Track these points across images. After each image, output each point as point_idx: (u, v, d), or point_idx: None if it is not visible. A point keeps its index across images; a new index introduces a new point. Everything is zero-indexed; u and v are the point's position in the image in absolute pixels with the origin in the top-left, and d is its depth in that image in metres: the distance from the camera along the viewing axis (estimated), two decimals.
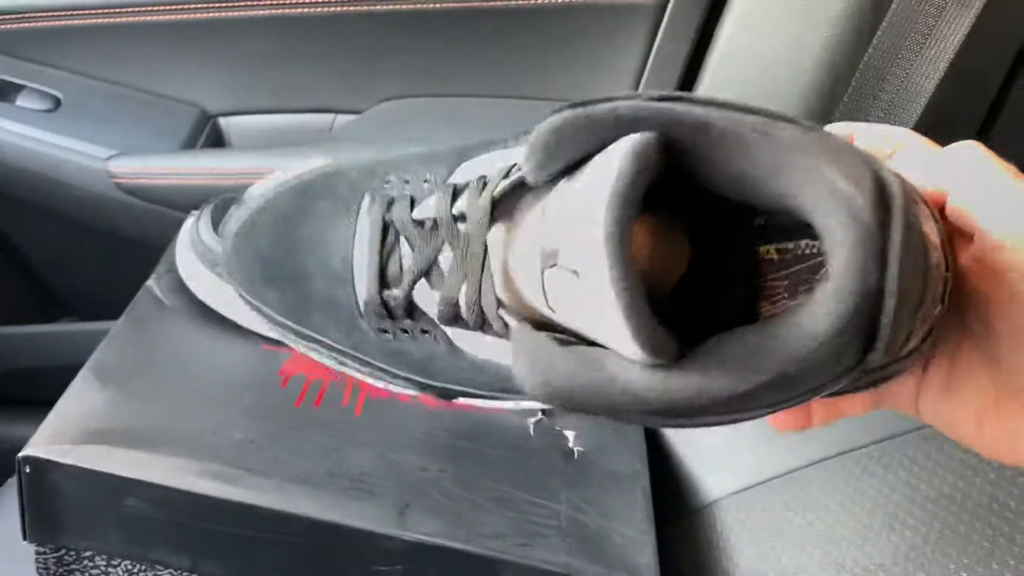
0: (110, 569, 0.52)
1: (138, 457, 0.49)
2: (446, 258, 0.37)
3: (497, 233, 0.35)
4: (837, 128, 0.33)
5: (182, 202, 0.77)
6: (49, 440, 0.49)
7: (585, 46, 0.76)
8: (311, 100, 0.84)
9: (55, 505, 0.49)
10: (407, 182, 0.41)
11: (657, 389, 0.26)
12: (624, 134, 0.27)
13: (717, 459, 0.65)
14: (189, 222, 0.63)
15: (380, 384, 0.44)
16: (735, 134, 0.26)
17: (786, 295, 0.32)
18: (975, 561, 0.49)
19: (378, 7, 0.76)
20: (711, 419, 0.27)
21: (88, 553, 0.52)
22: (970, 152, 0.31)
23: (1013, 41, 0.64)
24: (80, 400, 0.52)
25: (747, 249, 0.33)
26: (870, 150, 0.29)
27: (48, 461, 0.48)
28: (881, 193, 0.24)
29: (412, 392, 0.43)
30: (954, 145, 0.31)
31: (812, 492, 0.59)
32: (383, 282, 0.40)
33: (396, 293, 0.39)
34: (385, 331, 0.41)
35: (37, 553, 0.52)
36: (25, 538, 0.51)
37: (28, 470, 0.48)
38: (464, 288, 0.36)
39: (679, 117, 0.26)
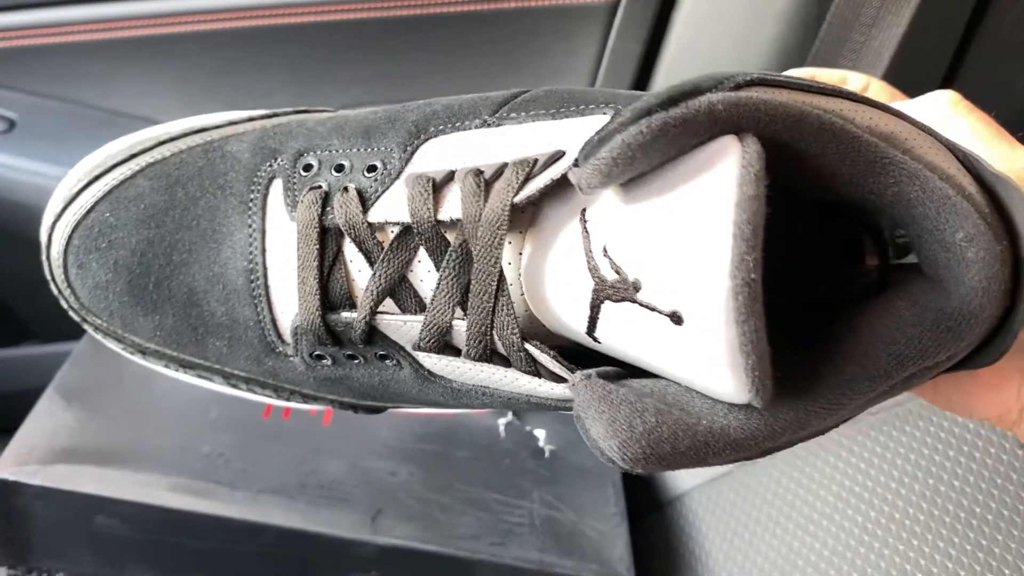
0: None
1: (107, 475, 0.49)
2: (420, 274, 0.29)
3: (507, 247, 0.28)
4: (799, 73, 0.31)
5: None
6: (16, 461, 0.48)
7: (539, 48, 0.77)
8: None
9: (24, 527, 0.49)
10: (340, 168, 0.31)
11: (758, 435, 0.23)
12: (719, 134, 0.22)
13: None
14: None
15: (290, 404, 0.35)
16: (830, 126, 0.23)
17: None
18: (939, 538, 0.50)
19: (332, 16, 0.76)
20: (798, 441, 0.24)
21: (60, 574, 0.51)
22: (945, 98, 0.29)
23: (956, 25, 0.65)
24: (46, 420, 0.52)
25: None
26: None
27: (16, 483, 0.48)
28: (994, 200, 0.22)
29: (319, 407, 0.35)
30: (928, 94, 0.30)
31: (778, 479, 0.60)
32: (326, 303, 0.30)
33: (349, 317, 0.30)
34: (321, 357, 0.32)
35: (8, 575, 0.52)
36: None
37: None
38: (462, 314, 0.29)
39: (776, 110, 0.22)
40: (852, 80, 0.32)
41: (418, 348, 0.30)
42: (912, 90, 0.67)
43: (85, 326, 0.35)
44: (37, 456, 0.49)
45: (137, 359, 0.35)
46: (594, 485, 0.59)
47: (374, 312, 0.29)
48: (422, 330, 0.29)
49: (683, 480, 0.65)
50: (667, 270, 0.23)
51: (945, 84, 0.70)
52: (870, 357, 0.23)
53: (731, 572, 0.59)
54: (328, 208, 0.30)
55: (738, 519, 0.61)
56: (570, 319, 0.27)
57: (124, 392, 0.55)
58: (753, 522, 0.60)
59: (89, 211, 0.33)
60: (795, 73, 0.31)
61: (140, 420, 0.53)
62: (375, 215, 0.29)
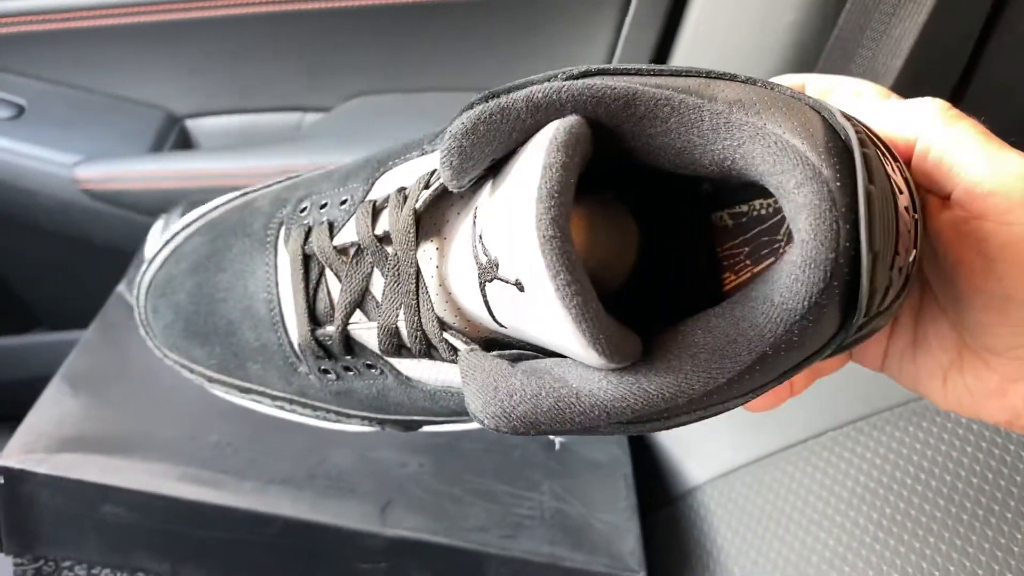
0: None
1: (114, 463, 0.48)
2: (378, 284, 0.33)
3: (428, 249, 0.32)
4: (787, 80, 0.32)
5: (151, 206, 0.76)
6: (23, 450, 0.48)
7: (553, 35, 0.76)
8: (279, 99, 0.84)
9: (31, 515, 0.49)
10: (324, 206, 0.36)
11: (629, 398, 0.24)
12: (545, 122, 0.25)
13: (698, 445, 0.65)
14: (158, 225, 0.63)
15: (336, 427, 0.39)
16: (667, 101, 0.24)
17: (749, 262, 0.30)
18: (955, 535, 0.49)
19: (344, 2, 0.76)
20: (689, 418, 0.25)
21: (67, 563, 0.51)
22: (937, 105, 0.29)
23: (977, 16, 0.64)
24: (53, 408, 0.51)
25: (699, 221, 0.31)
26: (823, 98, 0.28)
27: (23, 471, 0.47)
28: (836, 144, 0.23)
29: (370, 428, 0.39)
30: (918, 99, 0.30)
31: (791, 473, 0.60)
32: (314, 320, 0.35)
33: (330, 331, 0.35)
34: (327, 371, 0.37)
35: (15, 565, 0.51)
36: (1, 550, 0.50)
37: (2, 481, 0.47)
38: (402, 314, 0.32)
39: (600, 93, 0.24)
40: (845, 85, 0.32)
41: (384, 352, 0.34)
42: (932, 80, 0.66)
43: (167, 362, 0.41)
44: (43, 444, 0.48)
45: (207, 386, 0.41)
46: (605, 478, 0.59)
47: (346, 323, 0.34)
48: (378, 333, 0.33)
49: (695, 474, 0.65)
50: (508, 242, 0.25)
51: (966, 73, 0.69)
52: (734, 320, 0.24)
53: (743, 567, 0.58)
54: (309, 239, 0.35)
55: (751, 514, 0.60)
56: (475, 308, 0.29)
57: (131, 381, 0.55)
58: (766, 517, 0.59)
59: (160, 266, 0.41)
60: (786, 80, 0.31)
61: (148, 409, 0.53)
62: (339, 239, 0.34)
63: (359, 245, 0.34)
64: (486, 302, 0.28)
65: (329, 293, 0.35)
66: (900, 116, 0.30)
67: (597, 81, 0.24)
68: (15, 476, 0.47)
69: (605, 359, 0.24)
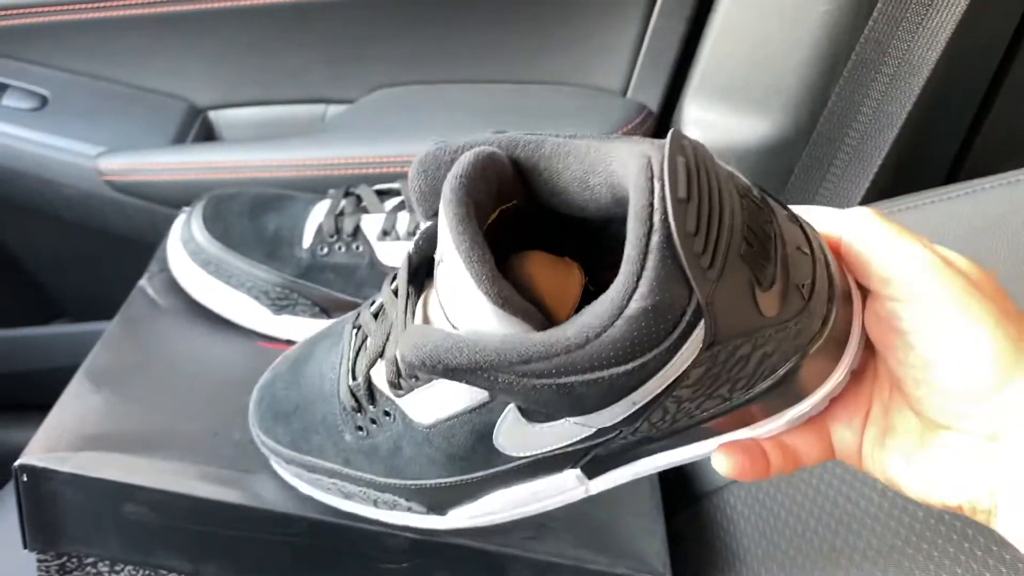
0: (112, 574, 0.51)
1: (135, 462, 0.48)
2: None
3: (428, 286, 0.39)
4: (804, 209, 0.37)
5: (173, 198, 0.76)
6: (46, 448, 0.48)
7: (579, 27, 0.75)
8: (302, 90, 0.83)
9: (54, 513, 0.49)
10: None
11: (513, 341, 0.30)
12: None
13: None
14: (180, 219, 0.62)
15: (390, 518, 0.45)
16: (568, 145, 0.33)
17: None
18: (999, 544, 0.48)
19: None
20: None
21: (90, 559, 0.51)
22: (861, 211, 0.35)
23: (1015, 11, 0.63)
24: (75, 405, 0.51)
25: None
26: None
27: (45, 469, 0.47)
28: (671, 141, 0.29)
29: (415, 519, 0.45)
30: (851, 208, 0.36)
31: (820, 474, 0.59)
32: (353, 376, 0.43)
33: (359, 381, 0.42)
34: (360, 428, 0.42)
35: (39, 560, 0.51)
36: (25, 546, 0.50)
37: (25, 479, 0.47)
38: (391, 339, 0.40)
39: (516, 138, 0.33)
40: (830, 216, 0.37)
41: (390, 384, 0.40)
42: (969, 73, 0.65)
43: (263, 449, 0.48)
44: (66, 442, 0.48)
45: (284, 470, 0.48)
46: None
47: (369, 369, 0.41)
48: (385, 367, 0.40)
49: (719, 474, 0.64)
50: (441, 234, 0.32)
51: (1003, 65, 0.67)
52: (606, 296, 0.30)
53: (770, 569, 0.57)
54: (359, 316, 0.44)
55: (777, 515, 0.59)
56: (439, 316, 0.35)
57: (153, 377, 0.55)
58: (794, 518, 0.58)
59: (273, 368, 0.50)
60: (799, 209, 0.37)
61: (170, 406, 0.53)
62: (375, 307, 0.43)
63: (383, 303, 0.42)
64: (439, 298, 0.34)
65: (366, 352, 0.42)
66: (831, 217, 0.36)
67: (514, 133, 0.34)
68: (38, 474, 0.47)
69: (491, 300, 0.30)
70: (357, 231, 0.58)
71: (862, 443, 0.38)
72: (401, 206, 0.59)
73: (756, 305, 0.31)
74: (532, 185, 0.34)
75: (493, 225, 0.34)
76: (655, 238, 0.28)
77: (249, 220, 0.60)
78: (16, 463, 0.47)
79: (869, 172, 0.67)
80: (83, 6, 0.79)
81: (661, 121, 0.79)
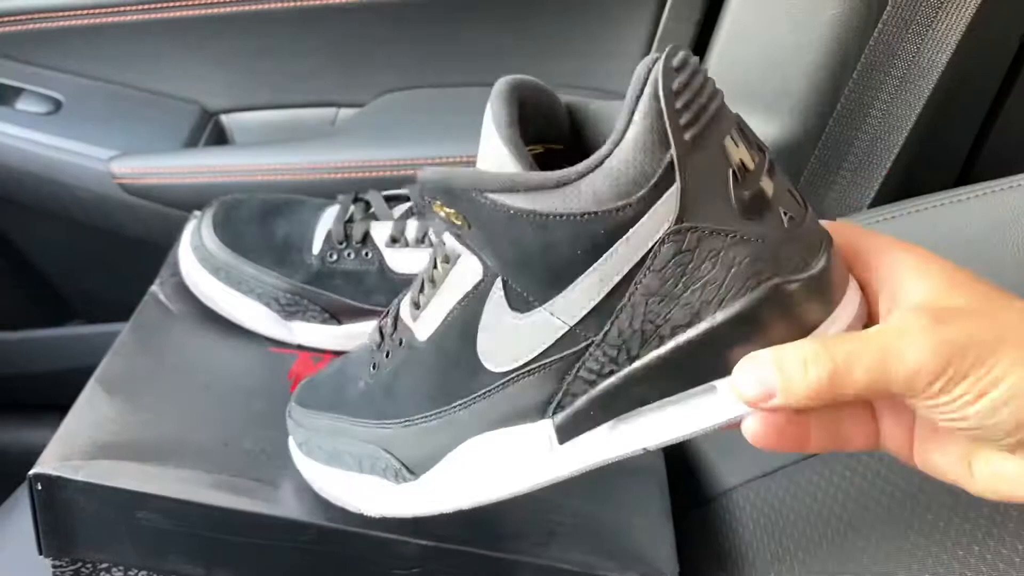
0: None
1: (148, 470, 0.49)
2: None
3: None
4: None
5: (186, 201, 0.76)
6: (59, 457, 0.48)
7: (589, 30, 0.75)
8: (313, 94, 0.84)
9: (68, 520, 0.49)
10: None
11: (510, 176, 0.33)
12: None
13: (732, 447, 0.64)
14: (191, 225, 0.63)
15: (364, 491, 0.46)
16: (611, 106, 0.37)
17: None
18: (1009, 548, 0.48)
19: None
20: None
21: (104, 565, 0.51)
22: (827, 381, 0.33)
23: None
24: (89, 414, 0.52)
25: None
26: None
27: (59, 478, 0.48)
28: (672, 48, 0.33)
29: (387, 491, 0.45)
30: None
31: (829, 478, 0.59)
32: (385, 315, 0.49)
33: (388, 317, 0.47)
34: (375, 366, 0.46)
35: (54, 566, 0.52)
36: (41, 553, 0.51)
37: (40, 487, 0.48)
38: None
39: (569, 97, 0.39)
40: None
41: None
42: (979, 76, 0.64)
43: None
44: (79, 451, 0.49)
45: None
46: (639, 482, 0.58)
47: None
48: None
49: (730, 476, 0.64)
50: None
51: (1012, 69, 0.67)
52: None
53: (780, 573, 0.57)
54: None
55: (787, 518, 0.59)
56: None
57: (165, 385, 0.55)
58: (803, 521, 0.58)
59: None
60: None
61: (181, 414, 0.53)
62: None
63: None
64: None
65: None
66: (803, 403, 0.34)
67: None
68: (52, 482, 0.48)
69: (503, 140, 0.34)
70: (366, 238, 0.58)
71: (913, 440, 0.37)
72: (410, 212, 0.59)
73: (731, 200, 0.33)
74: (581, 136, 0.37)
75: (538, 158, 0.36)
76: (643, 96, 0.31)
77: (259, 226, 0.61)
78: (31, 472, 0.48)
79: (879, 175, 0.67)
80: (97, 11, 0.79)
81: None
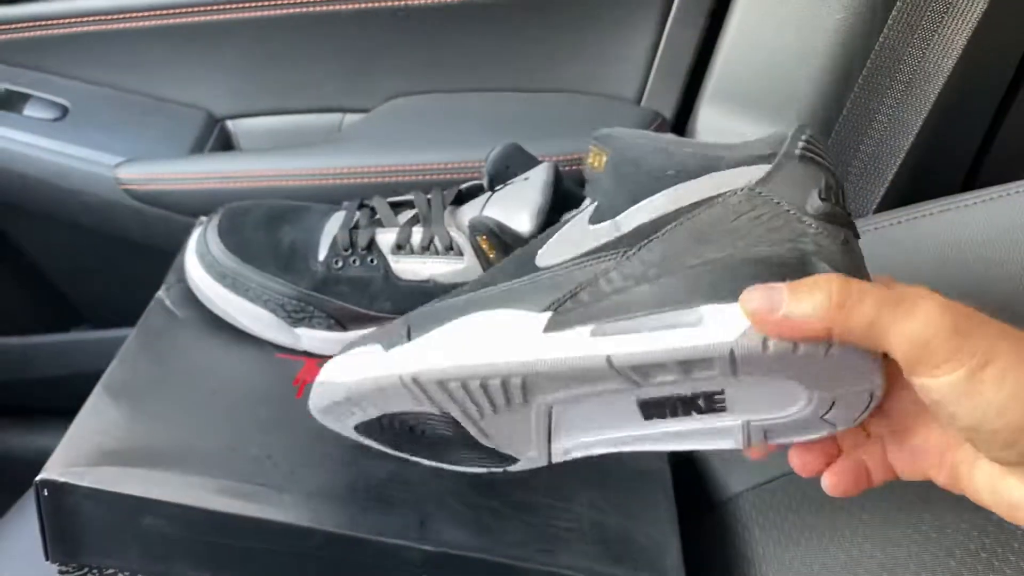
0: None
1: (154, 476, 0.49)
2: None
3: None
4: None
5: (192, 207, 0.77)
6: (66, 463, 0.48)
7: (594, 36, 0.75)
8: (318, 100, 0.84)
9: (74, 526, 0.49)
10: None
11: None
12: None
13: (737, 455, 0.64)
14: (197, 231, 0.63)
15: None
16: None
17: None
18: (1016, 554, 0.48)
19: (382, 4, 0.75)
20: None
21: (110, 571, 0.52)
22: (836, 292, 0.33)
23: None
24: (95, 419, 0.52)
25: None
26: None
27: (66, 484, 0.48)
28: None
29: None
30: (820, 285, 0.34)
31: None
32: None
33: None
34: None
35: (60, 571, 0.52)
36: (47, 558, 0.51)
37: (46, 493, 0.48)
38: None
39: None
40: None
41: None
42: (985, 80, 0.64)
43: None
44: (85, 458, 0.49)
45: None
46: (645, 488, 0.58)
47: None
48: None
49: (736, 482, 0.64)
50: None
51: (1017, 74, 0.67)
52: None
53: None
54: None
55: (793, 523, 0.59)
56: None
57: (171, 391, 0.55)
58: (809, 529, 0.58)
59: None
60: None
61: (187, 420, 0.53)
62: None
63: None
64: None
65: None
66: (804, 313, 0.33)
67: None
68: (59, 488, 0.48)
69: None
70: (372, 245, 0.58)
71: (968, 470, 0.37)
72: (415, 220, 0.59)
73: (808, 200, 0.38)
74: None
75: None
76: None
77: (264, 233, 0.61)
78: (37, 478, 0.48)
79: (884, 180, 0.67)
80: (103, 18, 0.80)
81: (675, 129, 0.79)
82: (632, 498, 0.56)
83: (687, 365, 0.37)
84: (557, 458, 0.46)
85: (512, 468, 0.47)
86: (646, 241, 0.40)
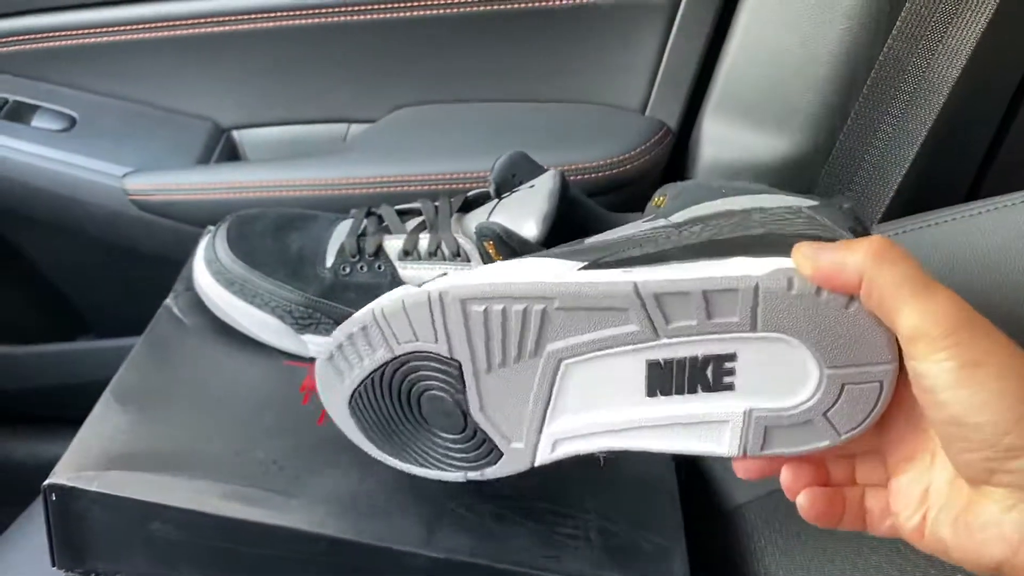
0: None
1: (162, 481, 0.49)
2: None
3: None
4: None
5: (199, 217, 0.77)
6: (73, 467, 0.48)
7: (599, 47, 0.75)
8: (324, 110, 0.84)
9: (82, 531, 0.49)
10: None
11: None
12: None
13: None
14: (205, 240, 0.63)
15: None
16: None
17: None
18: None
19: (388, 15, 0.76)
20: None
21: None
22: (871, 247, 0.35)
23: None
24: (103, 425, 0.52)
25: None
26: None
27: (74, 489, 0.48)
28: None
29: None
30: (858, 240, 0.36)
31: None
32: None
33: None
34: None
35: None
36: (54, 564, 0.51)
37: (54, 498, 0.48)
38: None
39: None
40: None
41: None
42: (990, 91, 0.64)
43: None
44: (93, 462, 0.49)
45: None
46: (650, 496, 0.58)
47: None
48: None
49: (742, 491, 0.63)
50: None
51: (1023, 84, 0.67)
52: None
53: None
54: None
55: (799, 534, 0.59)
56: None
57: (179, 396, 0.56)
58: (815, 539, 0.58)
59: None
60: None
61: (195, 425, 0.53)
62: None
63: None
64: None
65: None
66: (843, 254, 0.35)
67: None
68: (66, 493, 0.48)
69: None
70: (379, 251, 0.59)
71: (925, 520, 0.38)
72: (422, 227, 0.59)
73: (847, 227, 0.42)
74: None
75: None
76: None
77: (272, 240, 0.61)
78: (45, 483, 0.48)
79: (889, 190, 0.67)
80: (110, 29, 0.80)
81: (679, 139, 0.79)
82: (638, 506, 0.56)
83: (711, 300, 0.37)
84: (543, 455, 0.45)
85: (491, 469, 0.47)
86: (694, 223, 0.43)
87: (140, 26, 0.79)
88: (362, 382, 0.47)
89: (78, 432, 0.51)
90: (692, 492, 0.63)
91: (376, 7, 0.76)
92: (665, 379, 0.40)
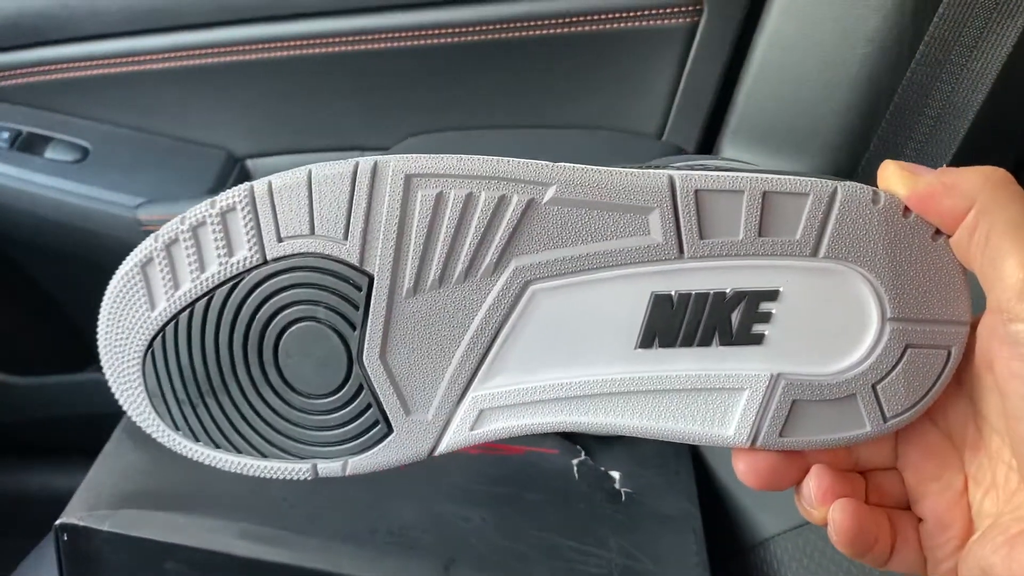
0: None
1: (175, 520, 0.48)
2: None
3: None
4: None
5: None
6: (86, 507, 0.48)
7: (616, 71, 0.75)
8: (337, 138, 0.84)
9: (94, 571, 0.48)
10: None
11: None
12: None
13: (771, 496, 0.63)
14: None
15: None
16: None
17: None
18: None
19: (401, 43, 0.75)
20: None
21: None
22: (990, 178, 0.29)
23: None
24: (115, 462, 0.51)
25: None
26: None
27: (86, 528, 0.47)
28: None
29: None
30: (978, 167, 0.30)
31: None
32: None
33: None
34: None
35: None
36: None
37: (66, 538, 0.47)
38: None
39: None
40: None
41: None
42: (1016, 116, 0.63)
43: None
44: (106, 501, 0.48)
45: None
46: (674, 533, 0.57)
47: None
48: None
49: (768, 526, 0.62)
50: None
51: None
52: None
53: None
54: None
55: (827, 569, 0.57)
56: None
57: None
58: (843, 572, 0.56)
59: None
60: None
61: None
62: None
63: None
64: None
65: None
66: (955, 176, 0.29)
67: None
68: (79, 533, 0.47)
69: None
70: None
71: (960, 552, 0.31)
72: None
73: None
74: None
75: None
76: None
77: None
78: (57, 522, 0.47)
79: None
80: (123, 60, 0.80)
81: None
82: (662, 542, 0.55)
83: (769, 208, 0.29)
84: (453, 436, 0.31)
85: (363, 457, 0.32)
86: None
87: (153, 56, 0.79)
88: (187, 306, 0.32)
89: (91, 468, 0.50)
90: (717, 528, 0.62)
91: (389, 35, 0.75)
92: (672, 322, 0.30)
